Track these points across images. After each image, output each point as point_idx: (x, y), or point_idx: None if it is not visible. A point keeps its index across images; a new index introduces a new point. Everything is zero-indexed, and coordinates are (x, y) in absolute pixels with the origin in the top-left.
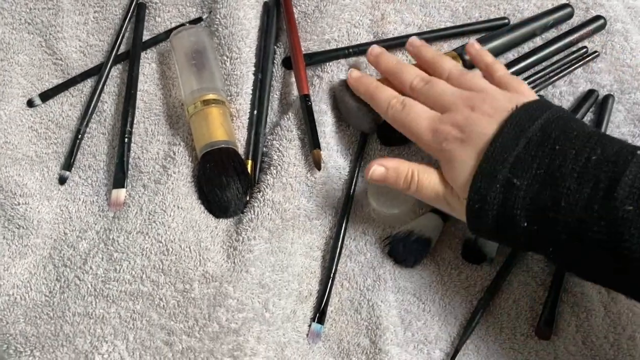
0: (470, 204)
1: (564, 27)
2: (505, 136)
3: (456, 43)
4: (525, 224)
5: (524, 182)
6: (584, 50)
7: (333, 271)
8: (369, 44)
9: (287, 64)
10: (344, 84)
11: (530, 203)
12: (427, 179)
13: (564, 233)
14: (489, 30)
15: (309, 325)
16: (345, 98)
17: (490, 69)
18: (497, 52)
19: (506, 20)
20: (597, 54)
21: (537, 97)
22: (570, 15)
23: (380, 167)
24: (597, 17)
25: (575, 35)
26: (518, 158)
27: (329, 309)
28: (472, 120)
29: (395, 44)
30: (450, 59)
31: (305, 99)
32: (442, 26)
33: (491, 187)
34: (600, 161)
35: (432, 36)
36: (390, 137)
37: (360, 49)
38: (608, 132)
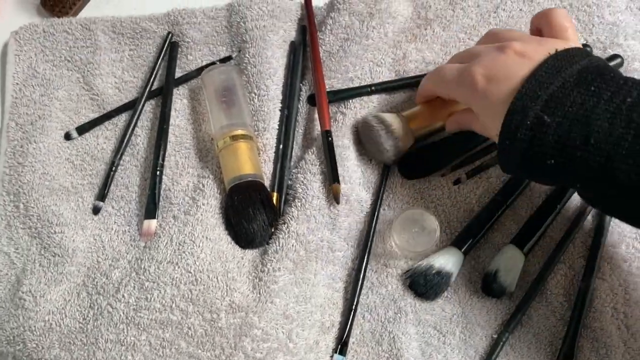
0: (501, 140)
1: None
2: (540, 75)
3: None
4: (552, 161)
5: (554, 120)
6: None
7: (355, 303)
8: (391, 82)
9: (312, 100)
10: (373, 117)
11: (559, 141)
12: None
13: (592, 172)
14: None
15: (331, 357)
16: (375, 131)
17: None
18: None
19: (619, 59)
20: None
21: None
22: None
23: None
24: (615, 56)
25: None
26: (552, 96)
27: (351, 340)
28: (502, 61)
29: (417, 82)
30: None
31: (327, 135)
32: None
33: (521, 124)
34: (635, 104)
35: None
36: (411, 171)
37: (382, 87)
38: None
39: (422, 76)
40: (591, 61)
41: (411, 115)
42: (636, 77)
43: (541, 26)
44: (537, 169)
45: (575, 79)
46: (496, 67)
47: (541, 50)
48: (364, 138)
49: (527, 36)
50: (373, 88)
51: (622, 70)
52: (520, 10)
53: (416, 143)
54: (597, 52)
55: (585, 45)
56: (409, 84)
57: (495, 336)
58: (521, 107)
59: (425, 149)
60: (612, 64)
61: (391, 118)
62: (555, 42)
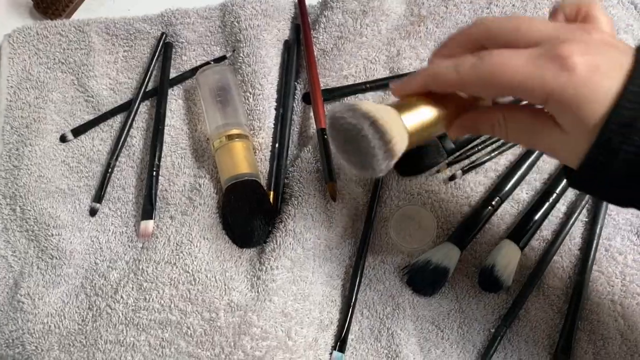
0: (597, 150)
1: None
2: None
3: None
4: None
5: None
6: None
7: (353, 300)
8: (385, 79)
9: (307, 99)
10: (361, 116)
11: None
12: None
13: None
14: None
15: (330, 354)
16: (367, 137)
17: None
18: None
19: None
20: None
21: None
22: None
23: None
24: None
25: None
26: None
27: (350, 337)
28: (599, 45)
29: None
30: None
31: (322, 133)
32: None
33: (628, 138)
34: None
35: None
36: (407, 168)
37: (376, 84)
38: None
39: None
40: None
41: (404, 108)
42: None
43: (577, 19)
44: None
45: None
46: (598, 51)
47: (614, 40)
48: (339, 142)
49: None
50: (368, 85)
51: None
52: (513, 5)
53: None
54: None
55: None
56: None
57: (493, 330)
58: (628, 115)
59: (420, 145)
60: None
61: (380, 112)
62: (611, 33)
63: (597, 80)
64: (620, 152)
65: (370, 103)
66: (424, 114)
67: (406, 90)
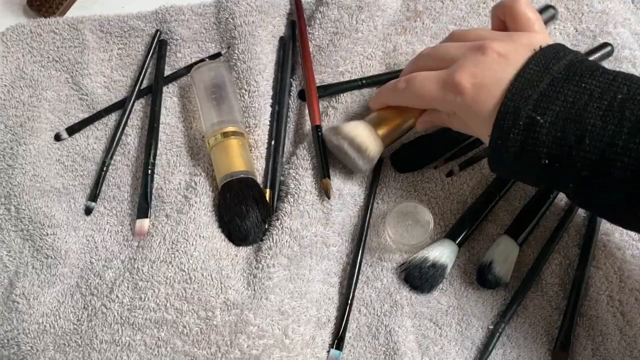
0: (492, 144)
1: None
2: (528, 74)
3: None
4: (547, 161)
5: (547, 120)
6: None
7: (350, 297)
8: (381, 75)
9: (302, 96)
10: (330, 136)
11: (553, 140)
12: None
13: (586, 170)
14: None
15: (328, 352)
16: (333, 148)
17: (508, 5)
18: None
19: (609, 48)
20: None
21: (550, 39)
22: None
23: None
24: (605, 45)
25: None
26: (542, 95)
27: (347, 334)
28: (486, 64)
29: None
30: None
31: (317, 129)
32: None
33: (513, 126)
34: (626, 99)
35: None
36: (404, 164)
37: (373, 80)
38: None
39: None
40: (576, 56)
41: (377, 120)
42: (626, 64)
43: (504, 18)
44: (530, 169)
45: (563, 75)
46: (482, 71)
47: (521, 48)
48: (337, 154)
49: (498, 34)
50: (364, 82)
51: (612, 58)
52: None
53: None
54: (586, 41)
55: (549, 7)
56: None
57: (491, 327)
58: (512, 108)
59: (417, 141)
60: (602, 52)
61: (355, 130)
62: (530, 37)
63: (482, 97)
64: (509, 142)
65: (351, 123)
66: (392, 121)
67: (376, 105)
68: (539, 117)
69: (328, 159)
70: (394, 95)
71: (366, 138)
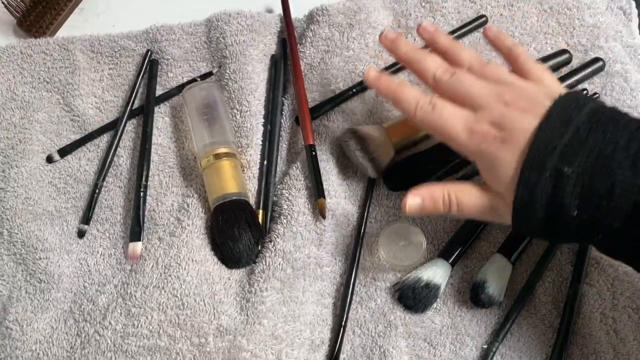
0: (518, 200)
1: (564, 69)
2: (551, 125)
3: None
4: (576, 213)
5: (574, 171)
6: (585, 92)
7: (344, 318)
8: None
9: (299, 121)
10: (349, 133)
11: (582, 191)
12: (467, 196)
13: (618, 221)
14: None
15: None
16: (350, 148)
17: (512, 54)
18: None
19: (484, 18)
20: (597, 95)
21: (564, 88)
22: (568, 61)
23: (415, 199)
24: (596, 59)
25: (575, 78)
26: (567, 146)
27: (342, 356)
28: (510, 117)
29: (395, 69)
30: (467, 48)
31: (310, 149)
32: None
33: (540, 179)
34: None
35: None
36: (397, 183)
37: (362, 87)
38: None
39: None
40: (596, 104)
41: (392, 126)
42: (617, 79)
43: (515, 71)
44: (559, 223)
45: (587, 125)
46: (507, 124)
47: (542, 98)
48: (347, 153)
49: (517, 82)
50: (354, 90)
51: (603, 72)
52: (501, 15)
53: (399, 153)
54: (578, 55)
55: (565, 51)
56: (394, 71)
57: (485, 346)
58: (538, 160)
59: (410, 160)
60: (593, 67)
61: (368, 132)
62: (548, 87)
63: (507, 148)
64: (535, 196)
65: (366, 127)
66: (408, 129)
67: (382, 91)
68: (565, 168)
69: (321, 178)
70: (409, 109)
71: (379, 144)
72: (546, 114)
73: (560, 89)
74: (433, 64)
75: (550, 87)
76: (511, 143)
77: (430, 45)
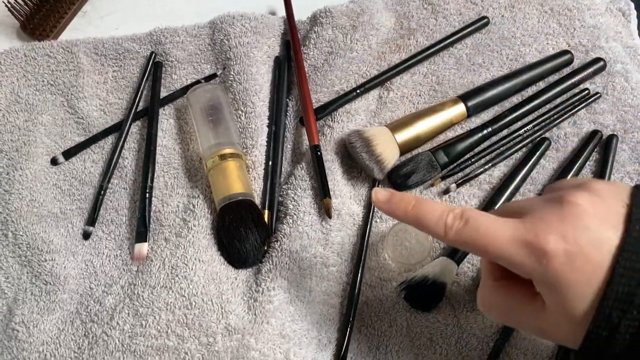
0: (594, 335)
1: (565, 70)
2: (634, 251)
3: (460, 86)
4: None
5: None
6: (586, 92)
7: (351, 318)
8: (374, 78)
9: (303, 122)
10: (355, 134)
11: None
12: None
13: None
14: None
15: None
16: (356, 150)
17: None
18: (501, 97)
19: (486, 20)
20: (598, 95)
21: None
22: (570, 62)
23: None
24: (597, 60)
25: (577, 78)
26: None
27: (349, 355)
28: (585, 225)
29: (399, 70)
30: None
31: (315, 149)
32: (447, 73)
33: (625, 314)
34: None
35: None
36: (401, 182)
37: (365, 87)
38: (614, 172)
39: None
40: None
41: (397, 127)
42: (618, 79)
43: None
44: None
45: None
46: (577, 235)
47: (609, 200)
48: (353, 155)
49: (568, 184)
50: (358, 91)
51: (604, 72)
52: (502, 16)
53: (404, 154)
54: (579, 55)
55: (567, 52)
56: (396, 73)
57: (491, 345)
58: (624, 290)
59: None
60: (594, 67)
61: (374, 133)
62: (607, 185)
63: (578, 267)
64: (617, 335)
65: (372, 129)
66: (414, 129)
67: (392, 213)
68: None
69: (327, 178)
70: (436, 229)
71: (384, 145)
72: (624, 221)
73: (625, 187)
74: (436, 213)
75: (615, 184)
76: (586, 259)
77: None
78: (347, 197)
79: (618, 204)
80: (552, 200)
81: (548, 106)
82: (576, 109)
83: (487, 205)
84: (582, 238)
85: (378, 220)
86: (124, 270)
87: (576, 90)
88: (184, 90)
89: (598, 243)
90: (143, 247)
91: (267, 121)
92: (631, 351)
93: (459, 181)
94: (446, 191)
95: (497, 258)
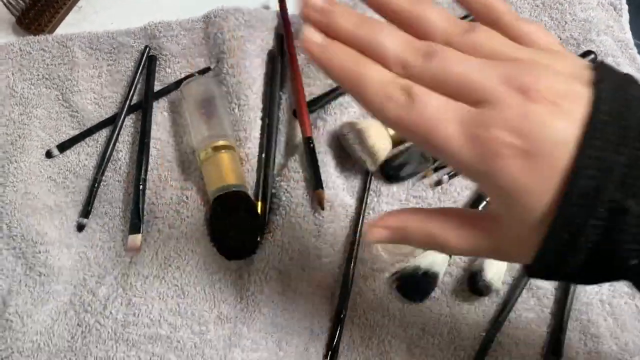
0: (551, 245)
1: None
2: (603, 133)
3: None
4: (637, 261)
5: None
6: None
7: (343, 308)
8: None
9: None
10: (347, 126)
11: None
12: (455, 237)
13: None
14: None
15: None
16: (349, 141)
17: (490, 13)
18: None
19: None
20: None
21: (567, 51)
22: None
23: (380, 231)
24: (588, 52)
25: None
26: (630, 167)
27: (341, 345)
28: (534, 116)
29: None
30: (435, 7)
31: (308, 141)
32: None
33: (589, 217)
34: None
35: None
36: (393, 174)
37: None
38: None
39: None
40: None
41: None
42: None
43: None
44: (604, 272)
45: None
46: (532, 131)
47: (572, 82)
48: (344, 146)
49: (527, 54)
50: None
51: None
52: None
53: (397, 146)
54: (570, 49)
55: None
56: None
57: (483, 334)
58: (587, 190)
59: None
60: (585, 60)
61: (366, 125)
62: (567, 60)
63: (536, 170)
64: (580, 238)
65: (364, 121)
66: None
67: (328, 62)
68: (629, 202)
69: (320, 170)
70: (377, 99)
71: (377, 137)
72: (590, 114)
73: (584, 62)
74: (393, 42)
75: (571, 60)
76: (541, 160)
77: (381, 12)
78: (339, 189)
79: (581, 84)
80: (513, 85)
81: None
82: None
83: (479, 197)
84: (541, 135)
85: (370, 211)
86: (118, 261)
87: None
88: (178, 83)
89: (557, 142)
90: (137, 239)
91: (261, 114)
92: (590, 262)
93: (451, 172)
94: (438, 182)
95: (440, 151)
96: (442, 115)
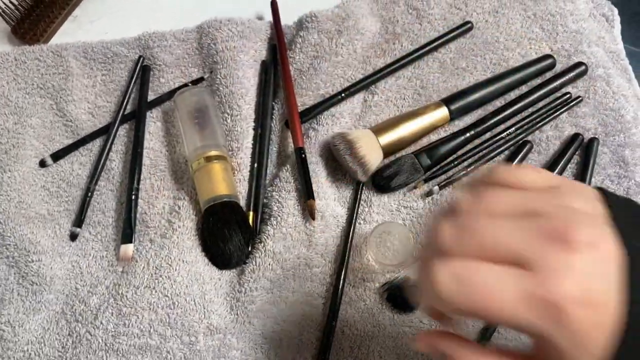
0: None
1: (548, 74)
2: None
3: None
4: None
5: None
6: (568, 95)
7: (333, 319)
8: (360, 81)
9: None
10: (338, 137)
11: None
12: None
13: None
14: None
15: None
16: (340, 152)
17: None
18: (484, 101)
19: (470, 24)
20: (580, 99)
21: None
22: (552, 66)
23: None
24: (579, 64)
25: (559, 82)
26: None
27: (331, 356)
28: (586, 266)
29: (383, 74)
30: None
31: (299, 152)
32: (431, 77)
33: None
34: None
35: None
36: (384, 184)
37: (351, 91)
38: (595, 174)
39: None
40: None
41: (380, 130)
42: (600, 83)
43: None
44: None
45: None
46: (584, 279)
47: (595, 220)
48: (336, 156)
49: (549, 201)
50: (343, 94)
51: (586, 77)
52: (486, 21)
53: (388, 156)
54: (562, 60)
55: (549, 56)
56: (379, 78)
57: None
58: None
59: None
60: (576, 71)
61: (357, 136)
62: (577, 193)
63: (594, 318)
64: None
65: (355, 132)
66: (398, 132)
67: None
68: None
69: (311, 180)
70: (427, 288)
71: (368, 147)
72: (618, 244)
73: (591, 193)
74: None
75: (577, 193)
76: (599, 307)
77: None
78: (331, 199)
79: (601, 222)
80: (551, 239)
81: (530, 109)
82: (558, 112)
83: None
84: (594, 285)
85: (361, 222)
86: (110, 271)
87: (558, 94)
88: (171, 93)
89: (606, 281)
90: (129, 248)
91: (253, 124)
92: None
93: (442, 183)
94: (429, 193)
95: (500, 317)
96: (491, 282)
